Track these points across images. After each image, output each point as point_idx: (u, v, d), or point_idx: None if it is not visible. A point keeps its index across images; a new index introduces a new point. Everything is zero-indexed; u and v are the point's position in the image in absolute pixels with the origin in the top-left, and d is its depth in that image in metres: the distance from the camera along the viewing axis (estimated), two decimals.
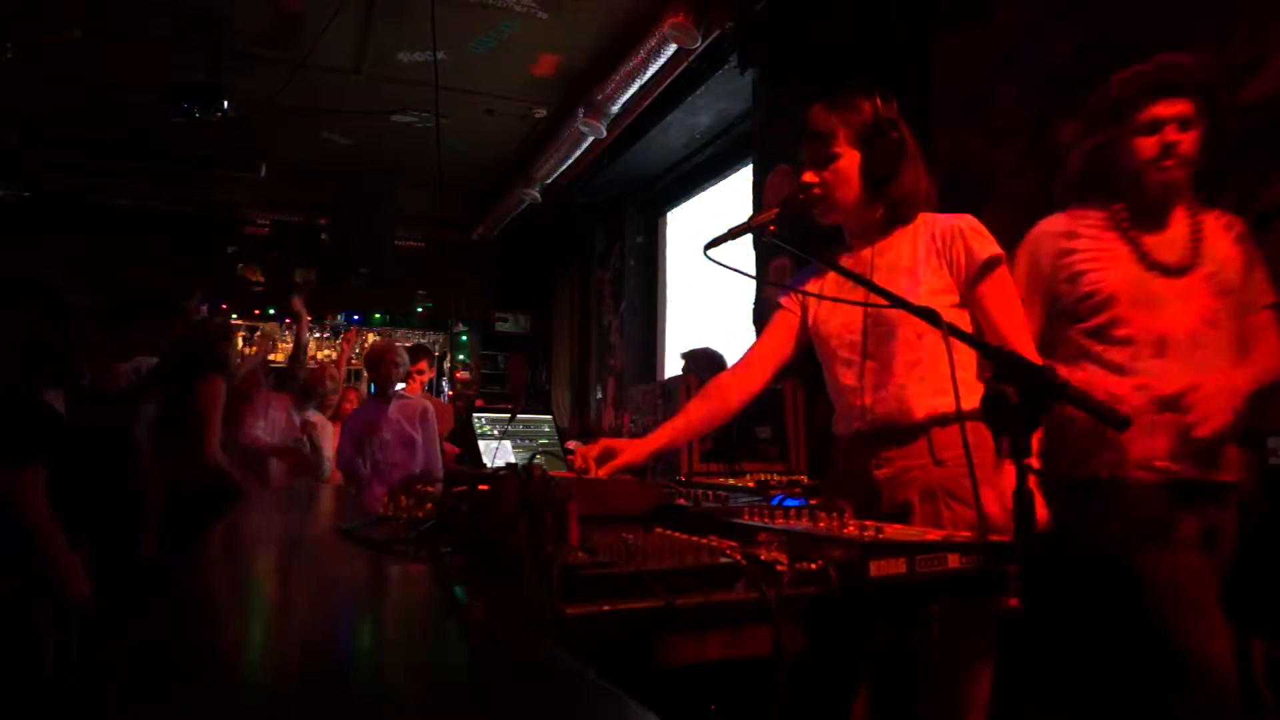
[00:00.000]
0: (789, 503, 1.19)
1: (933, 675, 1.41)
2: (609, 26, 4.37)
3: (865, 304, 1.55)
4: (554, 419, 3.00)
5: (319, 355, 7.50)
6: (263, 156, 6.21)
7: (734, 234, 1.57)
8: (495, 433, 2.64)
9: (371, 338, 7.49)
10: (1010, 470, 1.39)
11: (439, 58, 4.16)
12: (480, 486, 1.09)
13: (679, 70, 4.45)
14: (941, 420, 1.49)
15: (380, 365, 4.07)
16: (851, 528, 1.02)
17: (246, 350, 6.66)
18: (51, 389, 2.37)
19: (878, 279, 1.50)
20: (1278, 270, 1.78)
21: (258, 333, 7.30)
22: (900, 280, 1.54)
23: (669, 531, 1.11)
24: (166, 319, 4.32)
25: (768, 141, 3.94)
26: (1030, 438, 0.99)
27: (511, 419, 2.80)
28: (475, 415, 2.75)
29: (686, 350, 3.60)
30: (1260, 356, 1.69)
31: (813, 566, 0.87)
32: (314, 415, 4.43)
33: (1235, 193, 1.95)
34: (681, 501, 1.27)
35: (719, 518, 1.14)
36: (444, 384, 7.98)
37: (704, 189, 5.90)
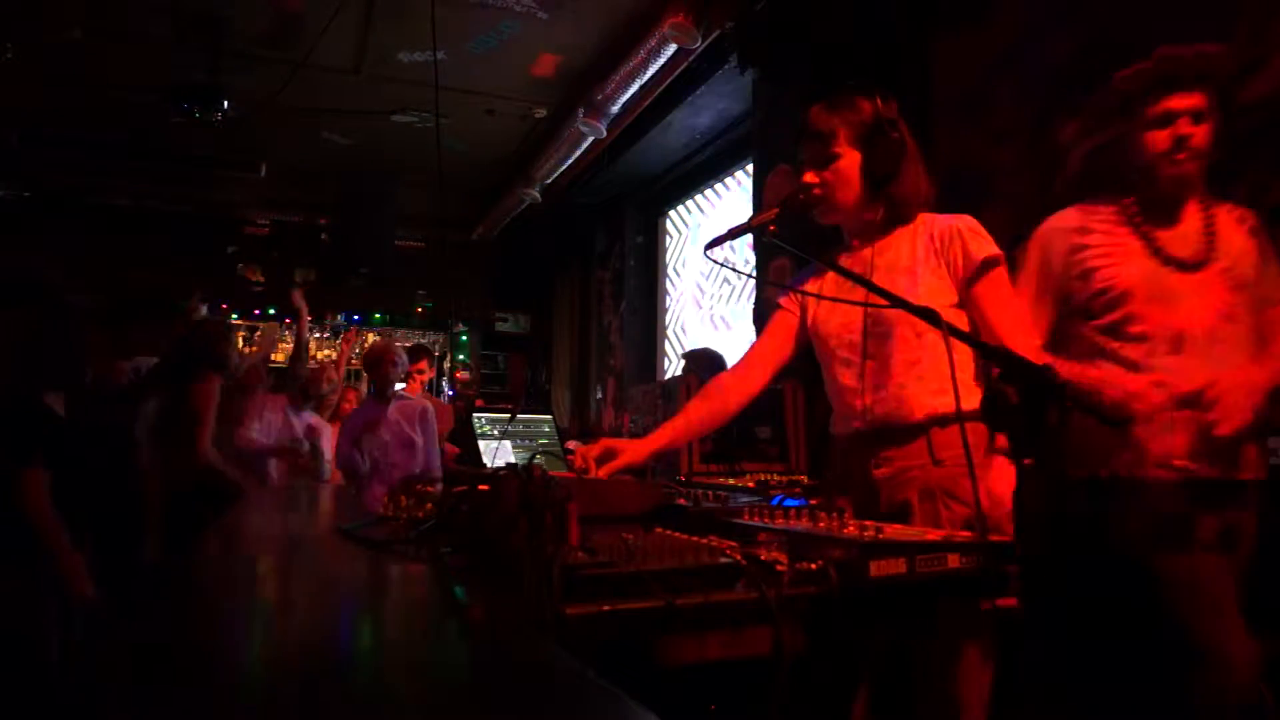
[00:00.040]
0: (789, 503, 1.19)
1: (933, 675, 1.41)
2: (609, 26, 4.37)
3: (865, 304, 1.55)
4: (554, 419, 3.00)
5: (319, 355, 7.50)
6: (263, 156, 6.21)
7: (734, 234, 1.57)
8: (495, 433, 2.64)
9: (371, 338, 7.49)
10: (998, 464, 1.40)
11: (439, 58, 4.16)
12: (480, 486, 1.09)
13: (679, 70, 4.45)
14: (941, 420, 1.49)
15: (379, 365, 4.07)
16: (851, 528, 1.02)
17: (248, 350, 6.65)
18: (52, 390, 2.37)
19: (877, 279, 1.50)
20: None
21: (257, 332, 7.30)
22: (899, 280, 1.54)
23: (669, 531, 1.11)
24: (166, 319, 4.32)
25: (768, 141, 3.95)
26: (1031, 438, 0.99)
27: (511, 419, 2.80)
28: (475, 415, 2.75)
29: (686, 350, 3.60)
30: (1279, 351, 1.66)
31: (813, 566, 0.87)
32: (312, 418, 4.42)
33: (1246, 186, 1.93)
34: (681, 501, 1.27)
35: (719, 518, 1.14)
36: (444, 384, 7.98)
37: (704, 189, 5.90)
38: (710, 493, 1.35)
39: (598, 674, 0.59)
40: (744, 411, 1.74)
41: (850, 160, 1.58)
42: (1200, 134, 1.66)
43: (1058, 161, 2.46)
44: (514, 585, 0.83)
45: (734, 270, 1.75)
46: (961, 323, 1.54)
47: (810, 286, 1.71)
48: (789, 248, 1.52)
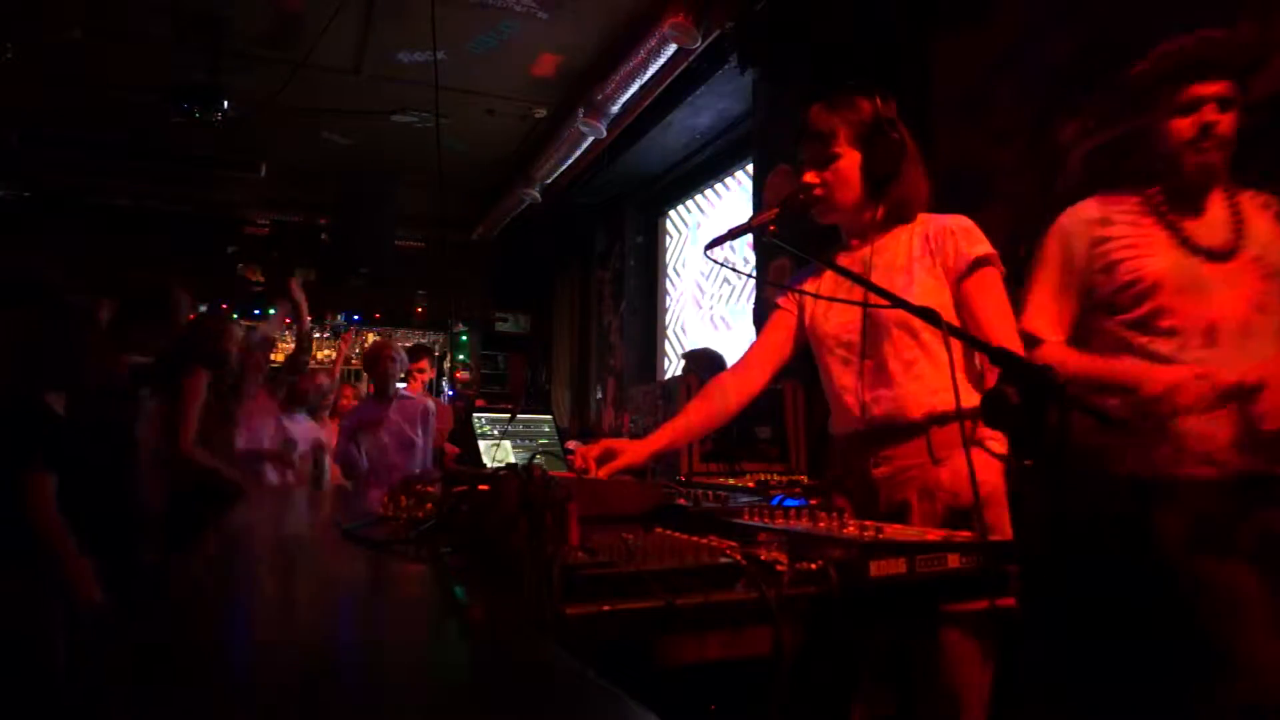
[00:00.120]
0: (789, 503, 1.19)
1: (932, 675, 1.41)
2: (609, 26, 4.37)
3: (865, 304, 1.55)
4: (554, 419, 3.00)
5: (319, 355, 7.51)
6: (263, 156, 6.21)
7: (734, 234, 1.57)
8: (495, 433, 2.64)
9: (371, 338, 7.49)
10: (974, 453, 1.40)
11: (439, 58, 4.16)
12: (480, 486, 1.09)
13: (679, 70, 4.45)
14: (940, 419, 1.49)
15: (378, 363, 4.07)
16: (851, 528, 1.02)
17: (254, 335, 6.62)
18: (53, 390, 2.37)
19: (875, 278, 1.50)
20: None
21: (257, 334, 7.30)
22: (897, 280, 1.54)
23: (669, 531, 1.11)
24: (166, 319, 4.30)
25: (768, 141, 3.95)
26: (1032, 438, 0.98)
27: (511, 419, 2.79)
28: (475, 415, 2.75)
29: (686, 350, 3.60)
30: None
31: (813, 566, 0.87)
32: (309, 424, 4.38)
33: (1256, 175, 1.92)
34: (681, 501, 1.27)
35: (719, 518, 1.14)
36: (444, 384, 7.98)
37: (704, 189, 5.90)
38: (710, 493, 1.35)
39: (598, 674, 0.59)
40: (744, 411, 1.74)
41: (850, 160, 1.59)
42: (1226, 121, 1.61)
43: (1058, 161, 2.46)
44: (514, 585, 0.83)
45: (734, 270, 1.75)
46: (957, 322, 1.54)
47: (809, 286, 1.71)
48: (789, 248, 1.52)
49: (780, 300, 1.75)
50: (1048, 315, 1.76)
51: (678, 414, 1.73)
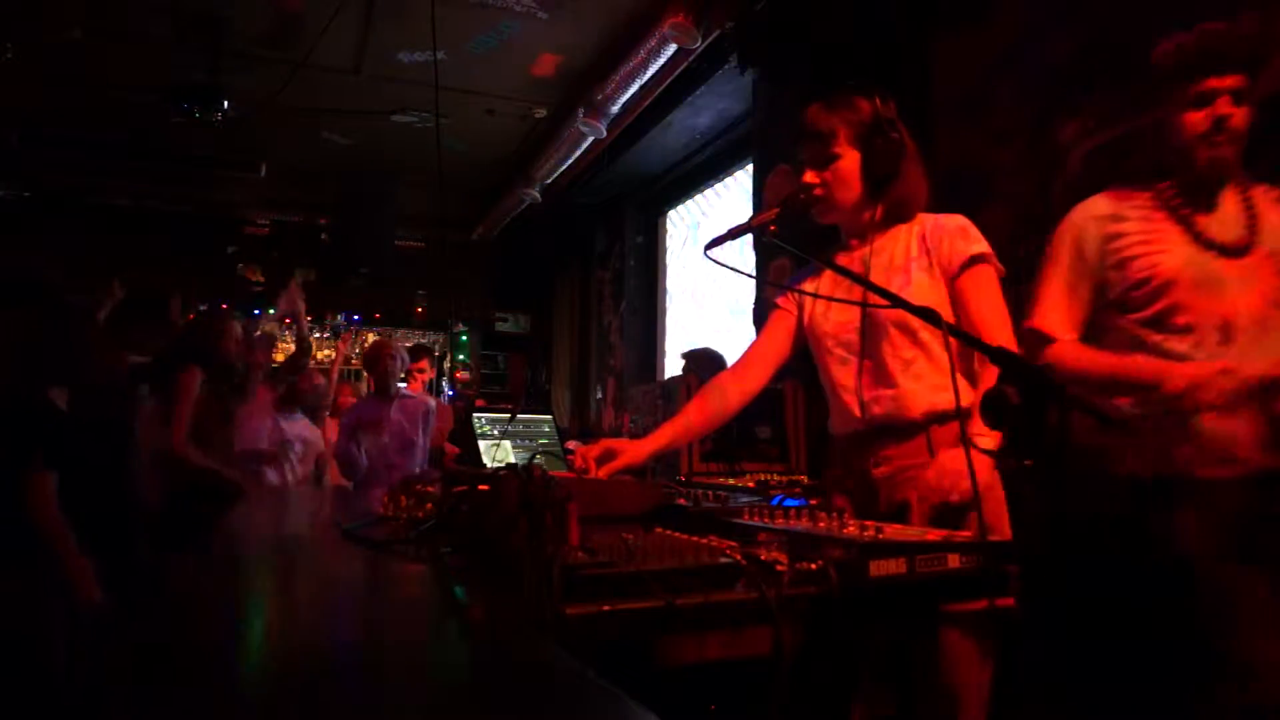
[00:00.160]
0: (789, 503, 1.19)
1: (932, 675, 1.41)
2: (609, 26, 4.37)
3: (864, 304, 1.55)
4: (554, 419, 3.00)
5: (319, 355, 7.51)
6: (263, 156, 6.21)
7: (734, 234, 1.57)
8: (495, 433, 2.64)
9: (371, 338, 7.49)
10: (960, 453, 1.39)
11: (439, 58, 4.16)
12: (480, 486, 1.09)
13: (679, 70, 4.45)
14: (940, 418, 1.49)
15: (379, 362, 4.06)
16: (851, 528, 1.02)
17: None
18: (56, 387, 2.37)
19: (873, 278, 1.50)
20: None
21: (257, 333, 7.30)
22: (894, 279, 1.54)
23: (669, 531, 1.11)
24: (163, 319, 4.30)
25: (768, 141, 3.95)
26: (1031, 438, 0.98)
27: (511, 419, 2.79)
28: (475, 415, 2.75)
29: (686, 350, 3.60)
30: None
31: (813, 566, 0.87)
32: (304, 422, 4.36)
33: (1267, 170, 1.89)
34: (681, 501, 1.27)
35: (719, 518, 1.14)
36: (444, 384, 7.98)
37: (704, 189, 5.90)
38: (710, 493, 1.35)
39: (598, 674, 0.59)
40: (744, 411, 1.74)
41: (850, 160, 1.59)
42: (1240, 115, 1.57)
43: (1058, 161, 2.46)
44: (514, 585, 0.83)
45: (734, 270, 1.75)
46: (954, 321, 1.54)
47: (808, 286, 1.71)
48: (789, 248, 1.52)
49: (780, 300, 1.75)
50: (1060, 313, 1.72)
51: (677, 414, 1.73)
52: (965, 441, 1.15)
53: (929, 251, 1.56)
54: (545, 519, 0.88)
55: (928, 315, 1.20)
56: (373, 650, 0.77)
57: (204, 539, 1.86)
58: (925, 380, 1.51)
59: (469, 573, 1.03)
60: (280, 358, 6.27)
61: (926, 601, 1.01)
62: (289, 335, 6.71)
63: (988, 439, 1.32)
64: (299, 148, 6.12)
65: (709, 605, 0.82)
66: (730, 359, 3.25)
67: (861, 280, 1.34)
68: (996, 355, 1.05)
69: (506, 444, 2.62)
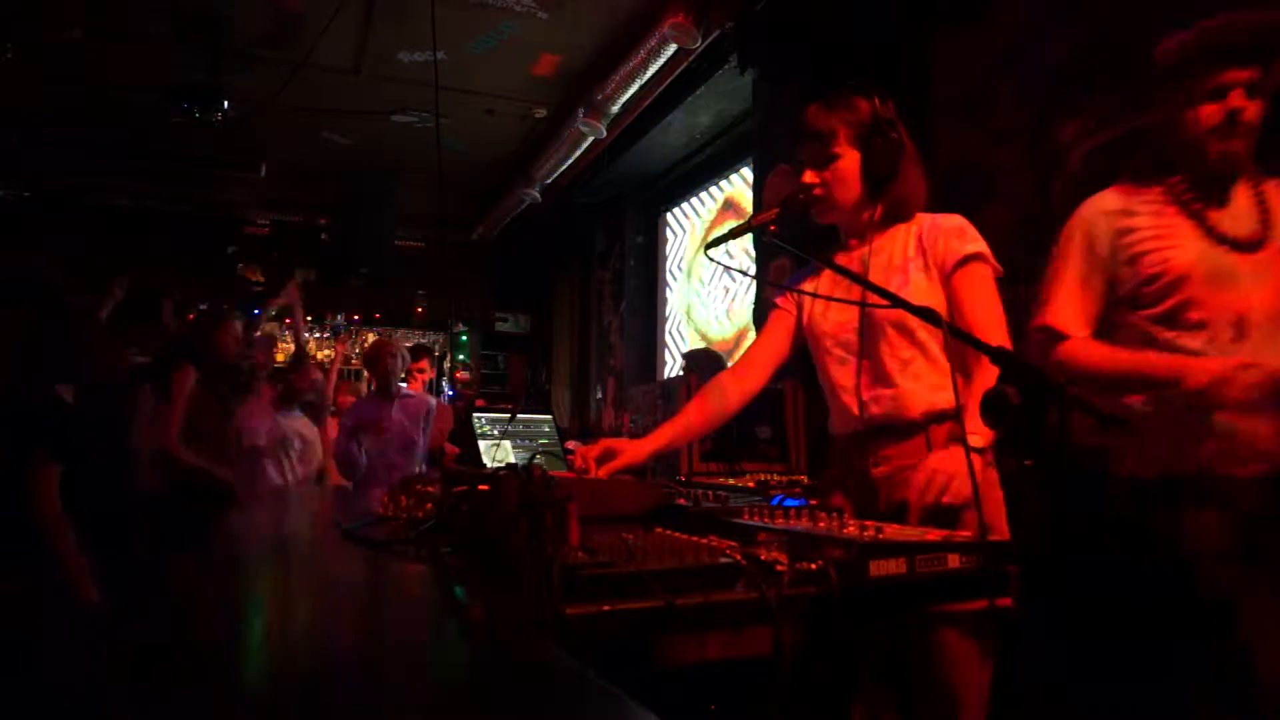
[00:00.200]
0: (789, 503, 1.19)
1: (931, 675, 1.41)
2: (609, 26, 4.37)
3: (864, 304, 1.55)
4: (554, 419, 3.00)
5: (319, 355, 7.51)
6: (263, 156, 6.21)
7: (734, 234, 1.58)
8: (495, 433, 2.64)
9: (371, 338, 7.49)
10: (954, 450, 1.38)
11: (439, 58, 4.16)
12: (480, 486, 1.09)
13: (679, 70, 4.45)
14: (939, 417, 1.49)
15: (379, 361, 4.05)
16: (851, 528, 1.02)
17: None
18: (62, 385, 2.38)
19: (872, 278, 1.50)
20: None
21: (257, 333, 7.30)
22: (893, 279, 1.55)
23: (669, 531, 1.11)
24: (156, 321, 4.29)
25: (768, 141, 3.95)
26: (1032, 438, 0.98)
27: (511, 419, 2.79)
28: (475, 415, 2.75)
29: (687, 350, 3.60)
30: None
31: (813, 566, 0.87)
32: (303, 419, 4.35)
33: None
34: (681, 501, 1.27)
35: (719, 518, 1.14)
36: (444, 384, 7.98)
37: (704, 189, 5.90)
38: (710, 493, 1.35)
39: (598, 674, 0.59)
40: (744, 411, 1.74)
41: (850, 160, 1.59)
42: (1253, 109, 1.54)
43: (1058, 161, 2.46)
44: (514, 585, 0.83)
45: (734, 270, 1.75)
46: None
47: (807, 286, 1.71)
48: (789, 248, 1.52)
49: (779, 300, 1.75)
50: (1072, 309, 1.68)
51: (678, 414, 1.73)
52: (966, 444, 1.15)
53: (925, 251, 1.56)
54: (545, 519, 0.88)
55: (928, 315, 1.20)
56: (373, 650, 0.77)
57: (196, 539, 1.86)
58: (923, 380, 1.51)
59: (469, 573, 1.03)
60: (281, 358, 6.27)
61: (926, 601, 1.01)
62: (288, 335, 6.71)
63: (979, 437, 1.32)
64: (299, 148, 6.12)
65: (709, 605, 0.82)
66: (730, 359, 3.25)
67: (861, 280, 1.34)
68: (996, 355, 1.05)
69: (506, 444, 2.62)
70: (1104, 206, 1.68)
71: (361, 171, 6.37)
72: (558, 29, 4.42)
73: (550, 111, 5.44)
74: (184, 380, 3.37)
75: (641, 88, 4.56)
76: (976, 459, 1.31)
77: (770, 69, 3.81)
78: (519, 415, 2.83)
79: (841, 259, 1.66)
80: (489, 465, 2.46)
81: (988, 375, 1.34)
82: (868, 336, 1.57)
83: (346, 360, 7.44)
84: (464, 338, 8.20)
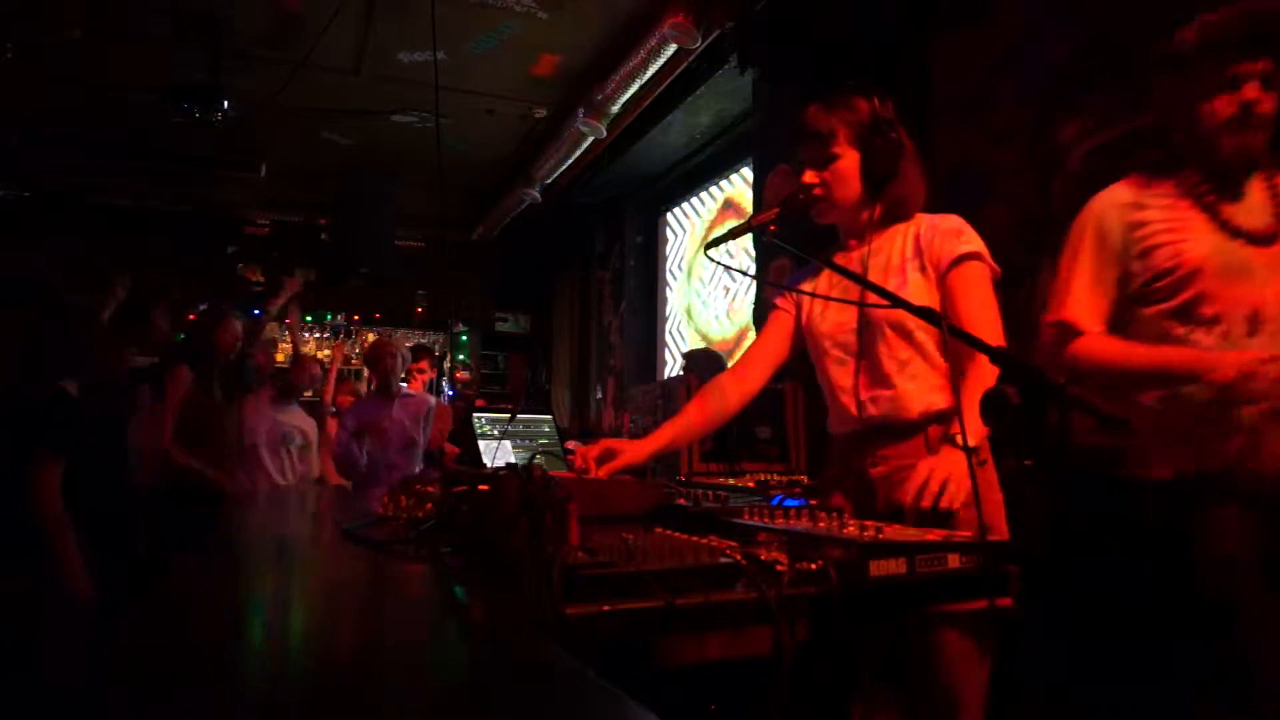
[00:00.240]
0: (789, 503, 1.19)
1: (930, 674, 1.41)
2: (609, 26, 4.37)
3: (861, 304, 1.55)
4: (554, 419, 3.00)
5: (319, 355, 7.51)
6: (263, 156, 6.21)
7: (734, 234, 1.58)
8: (495, 433, 2.64)
9: (371, 338, 7.49)
10: (945, 451, 1.36)
11: (439, 58, 4.16)
12: (480, 486, 1.09)
13: (679, 70, 4.45)
14: (937, 418, 1.49)
15: (379, 360, 4.05)
16: (851, 528, 1.02)
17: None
18: (67, 382, 2.38)
19: (871, 279, 1.50)
20: None
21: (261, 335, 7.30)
22: (891, 280, 1.55)
23: (669, 531, 1.11)
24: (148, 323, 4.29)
25: (768, 141, 3.95)
26: (1032, 438, 0.98)
27: (511, 419, 2.79)
28: (475, 415, 2.75)
29: (687, 350, 3.60)
30: None
31: (813, 566, 0.87)
32: (301, 413, 4.34)
33: None
34: (681, 501, 1.27)
35: (719, 518, 1.14)
36: (444, 384, 7.98)
37: (704, 189, 5.90)
38: (710, 493, 1.35)
39: (598, 674, 0.59)
40: (744, 411, 1.74)
41: (849, 160, 1.59)
42: (1269, 101, 1.51)
43: (1058, 161, 2.46)
44: (514, 585, 0.83)
45: (734, 270, 1.74)
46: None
47: (806, 287, 1.71)
48: (789, 248, 1.52)
49: (778, 300, 1.75)
50: (1087, 304, 1.64)
51: (677, 415, 1.73)
52: (955, 443, 1.15)
53: (922, 252, 1.56)
54: (545, 519, 0.88)
55: (928, 315, 1.20)
56: (373, 650, 0.77)
57: (194, 538, 1.86)
58: (921, 381, 1.51)
59: (469, 573, 1.03)
60: (280, 357, 6.27)
61: (926, 601, 1.01)
62: (288, 335, 6.70)
63: (970, 437, 1.31)
64: (299, 148, 6.12)
65: (709, 605, 0.82)
66: (730, 359, 3.25)
67: (862, 280, 1.34)
68: (996, 355, 1.05)
69: (506, 444, 2.62)
70: (1116, 199, 1.65)
71: (361, 171, 6.37)
72: (558, 29, 4.42)
73: (550, 111, 5.43)
74: (178, 381, 3.37)
75: (641, 88, 4.56)
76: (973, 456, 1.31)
77: (770, 69, 3.81)
78: (519, 415, 2.83)
79: (840, 260, 1.66)
80: (489, 465, 2.46)
81: (981, 375, 1.34)
82: (866, 337, 1.57)
83: (346, 360, 7.45)
84: (464, 338, 8.20)
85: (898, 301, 1.24)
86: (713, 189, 5.81)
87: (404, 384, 4.29)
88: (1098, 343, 1.62)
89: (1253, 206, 1.57)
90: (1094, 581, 1.69)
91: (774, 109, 3.86)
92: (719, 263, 1.56)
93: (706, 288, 5.87)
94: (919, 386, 1.51)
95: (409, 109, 5.42)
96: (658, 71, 4.37)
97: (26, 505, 2.17)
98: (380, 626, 0.88)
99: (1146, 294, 1.60)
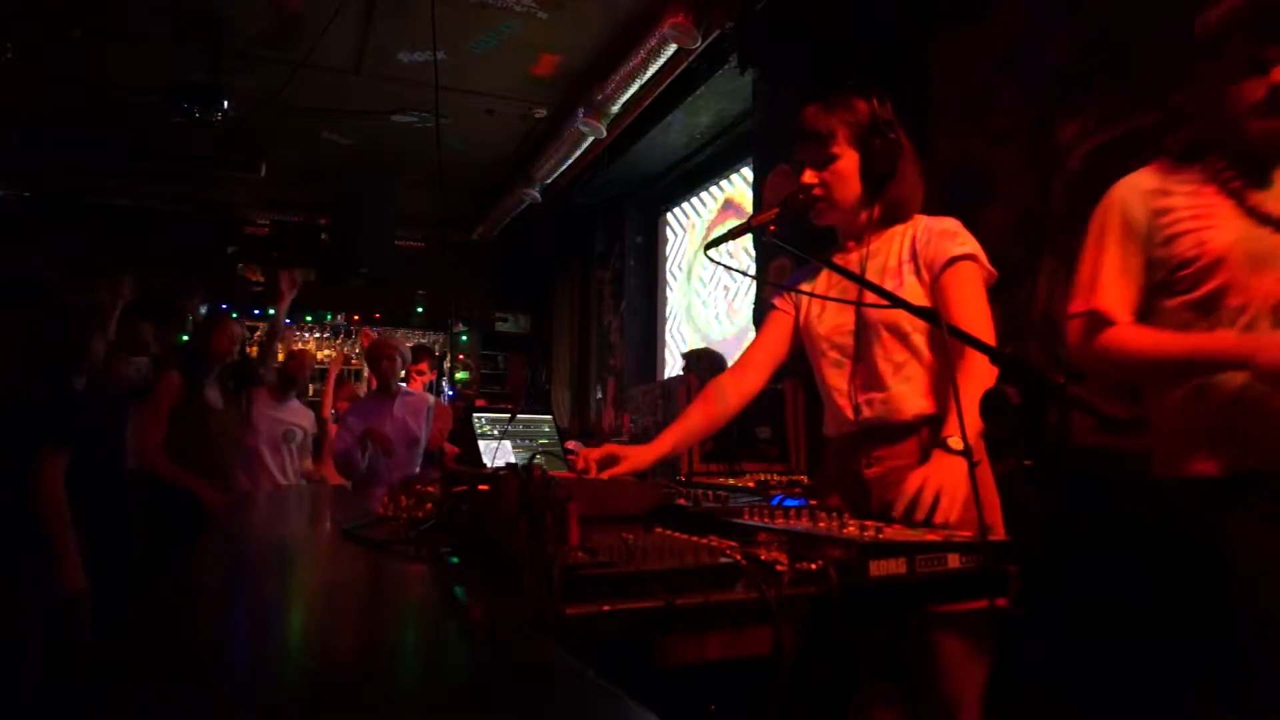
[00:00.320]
0: (789, 503, 1.19)
1: (929, 674, 1.41)
2: (609, 26, 4.37)
3: (859, 303, 1.55)
4: (554, 419, 3.00)
5: (319, 355, 7.52)
6: (263, 156, 6.21)
7: (734, 234, 1.58)
8: (495, 433, 2.64)
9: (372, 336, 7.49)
10: (936, 454, 1.36)
11: (439, 58, 4.16)
12: (480, 486, 1.09)
13: (679, 70, 4.45)
14: (931, 420, 1.49)
15: (379, 361, 4.05)
16: (851, 528, 1.02)
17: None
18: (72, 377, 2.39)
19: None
20: None
21: (257, 333, 7.30)
22: (888, 282, 1.55)
23: (669, 531, 1.11)
24: (167, 318, 4.29)
25: (768, 141, 3.95)
26: (1032, 438, 0.98)
27: (511, 419, 2.80)
28: (475, 415, 2.75)
29: (687, 350, 3.60)
30: None
31: (813, 566, 0.87)
32: (299, 406, 4.33)
33: None
34: (681, 501, 1.27)
35: (719, 518, 1.14)
36: (444, 384, 7.98)
37: (704, 189, 5.90)
38: (710, 493, 1.35)
39: (598, 674, 0.59)
40: (744, 411, 1.74)
41: (849, 161, 1.59)
42: None
43: (1058, 161, 2.46)
44: (514, 585, 0.83)
45: (734, 270, 1.75)
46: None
47: (804, 288, 1.71)
48: (789, 248, 1.52)
49: (777, 300, 1.75)
50: (1117, 293, 1.56)
51: (678, 417, 1.73)
52: (967, 447, 1.15)
53: (917, 254, 1.56)
54: (545, 519, 0.88)
55: (928, 315, 1.20)
56: (373, 650, 0.77)
57: (192, 539, 1.86)
58: (916, 383, 1.52)
59: (469, 573, 1.03)
60: (280, 356, 6.26)
61: (926, 601, 1.01)
62: (290, 338, 6.71)
63: (958, 440, 1.30)
64: (299, 148, 6.12)
65: (709, 605, 0.82)
66: (730, 359, 3.25)
67: (863, 281, 1.34)
68: (997, 355, 1.05)
69: (506, 444, 2.62)
70: (1140, 185, 1.59)
71: (361, 171, 6.37)
72: (558, 29, 4.42)
73: (550, 111, 5.43)
74: (166, 388, 3.36)
75: (641, 88, 4.56)
76: (965, 461, 1.29)
77: (770, 69, 3.81)
78: (519, 415, 2.83)
79: (839, 262, 1.65)
80: (489, 465, 2.46)
81: (975, 376, 1.34)
82: (862, 340, 1.57)
83: (346, 360, 7.45)
84: (464, 338, 8.21)
85: (898, 302, 1.24)
86: (713, 189, 5.81)
87: (403, 384, 4.28)
88: (1129, 333, 1.54)
89: None
90: (1094, 581, 1.69)
91: (774, 109, 3.86)
92: (719, 263, 1.56)
93: (706, 288, 5.87)
94: (913, 389, 1.51)
95: (409, 109, 5.42)
96: (658, 71, 4.37)
97: (28, 500, 2.17)
98: (380, 626, 0.88)
99: (1170, 284, 1.53)
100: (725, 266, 1.66)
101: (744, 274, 4.76)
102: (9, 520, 2.17)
